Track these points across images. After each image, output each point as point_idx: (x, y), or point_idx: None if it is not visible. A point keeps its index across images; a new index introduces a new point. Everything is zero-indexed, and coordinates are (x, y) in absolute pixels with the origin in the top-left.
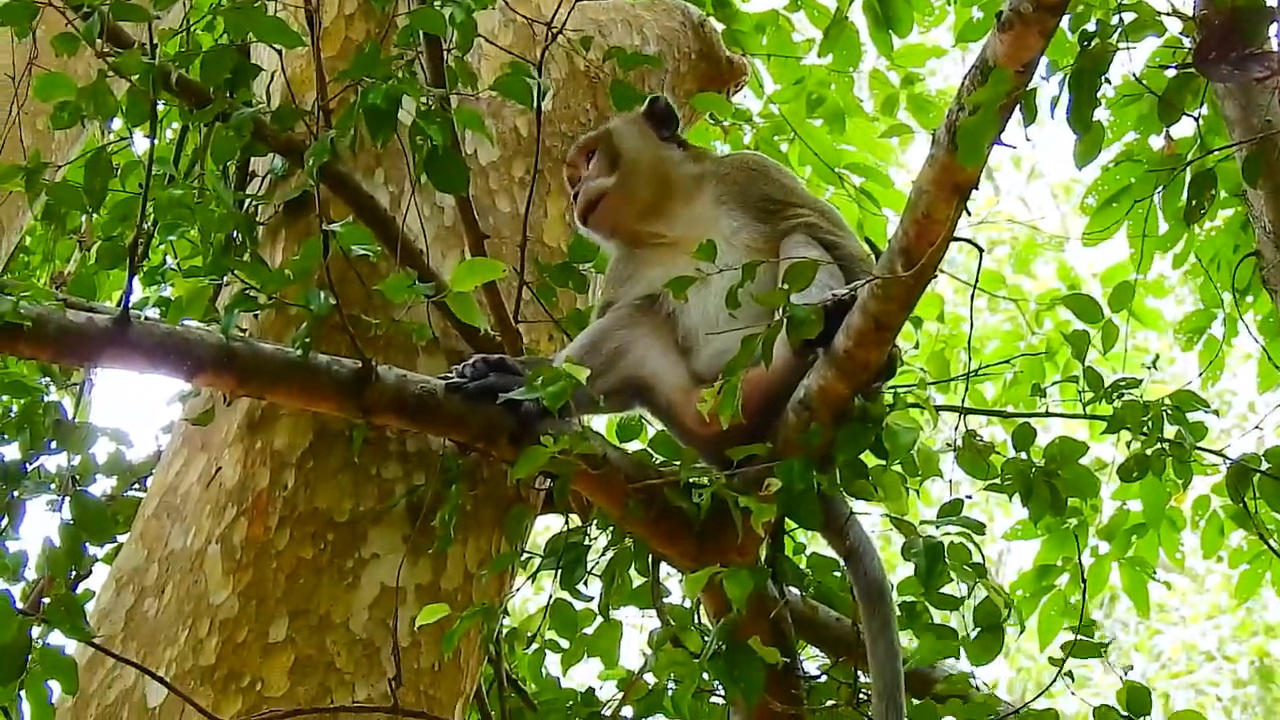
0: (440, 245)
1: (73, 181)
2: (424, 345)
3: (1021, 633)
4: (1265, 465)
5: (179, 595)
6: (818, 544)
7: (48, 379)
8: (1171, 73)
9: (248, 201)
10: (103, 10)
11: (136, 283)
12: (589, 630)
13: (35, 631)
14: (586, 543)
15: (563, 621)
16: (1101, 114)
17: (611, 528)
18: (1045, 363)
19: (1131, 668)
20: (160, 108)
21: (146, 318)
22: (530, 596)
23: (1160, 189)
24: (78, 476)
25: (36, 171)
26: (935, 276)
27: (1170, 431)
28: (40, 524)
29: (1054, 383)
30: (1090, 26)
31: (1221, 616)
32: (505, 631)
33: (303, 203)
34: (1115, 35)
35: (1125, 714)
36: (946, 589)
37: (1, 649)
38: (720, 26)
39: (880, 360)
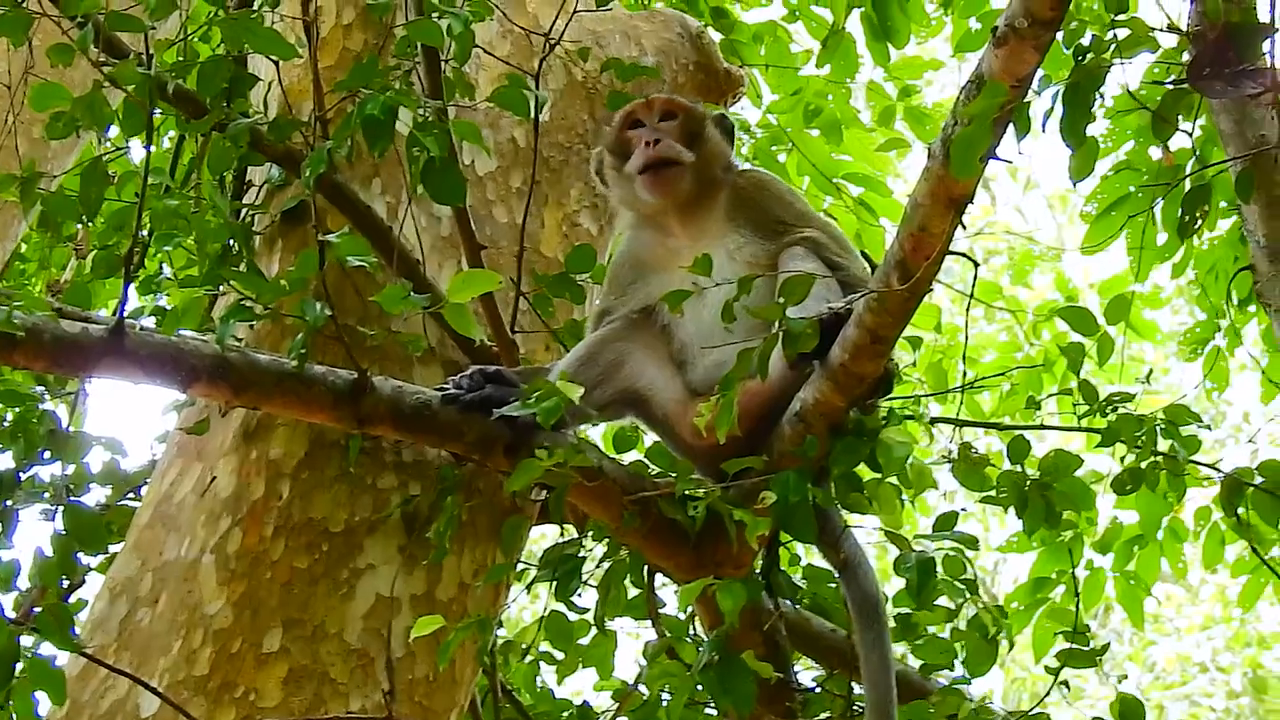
0: (437, 256)
1: (68, 190)
2: (420, 356)
3: (1011, 649)
4: (1259, 479)
5: (173, 605)
6: (813, 556)
7: (42, 388)
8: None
9: (244, 211)
10: (98, 20)
11: (132, 292)
12: (584, 641)
13: (27, 641)
14: (582, 554)
15: (558, 632)
16: (1097, 128)
17: (607, 539)
18: (1042, 374)
19: (1126, 678)
20: (156, 117)
21: (142, 327)
22: (526, 606)
23: (1158, 200)
24: (72, 486)
25: (32, 181)
26: (931, 290)
27: (1164, 445)
28: (34, 533)
29: (1050, 395)
30: (1085, 41)
31: (1215, 628)
32: (500, 642)
33: (299, 213)
34: (1109, 50)
35: None
36: (941, 600)
37: None
38: (718, 37)
39: (876, 373)
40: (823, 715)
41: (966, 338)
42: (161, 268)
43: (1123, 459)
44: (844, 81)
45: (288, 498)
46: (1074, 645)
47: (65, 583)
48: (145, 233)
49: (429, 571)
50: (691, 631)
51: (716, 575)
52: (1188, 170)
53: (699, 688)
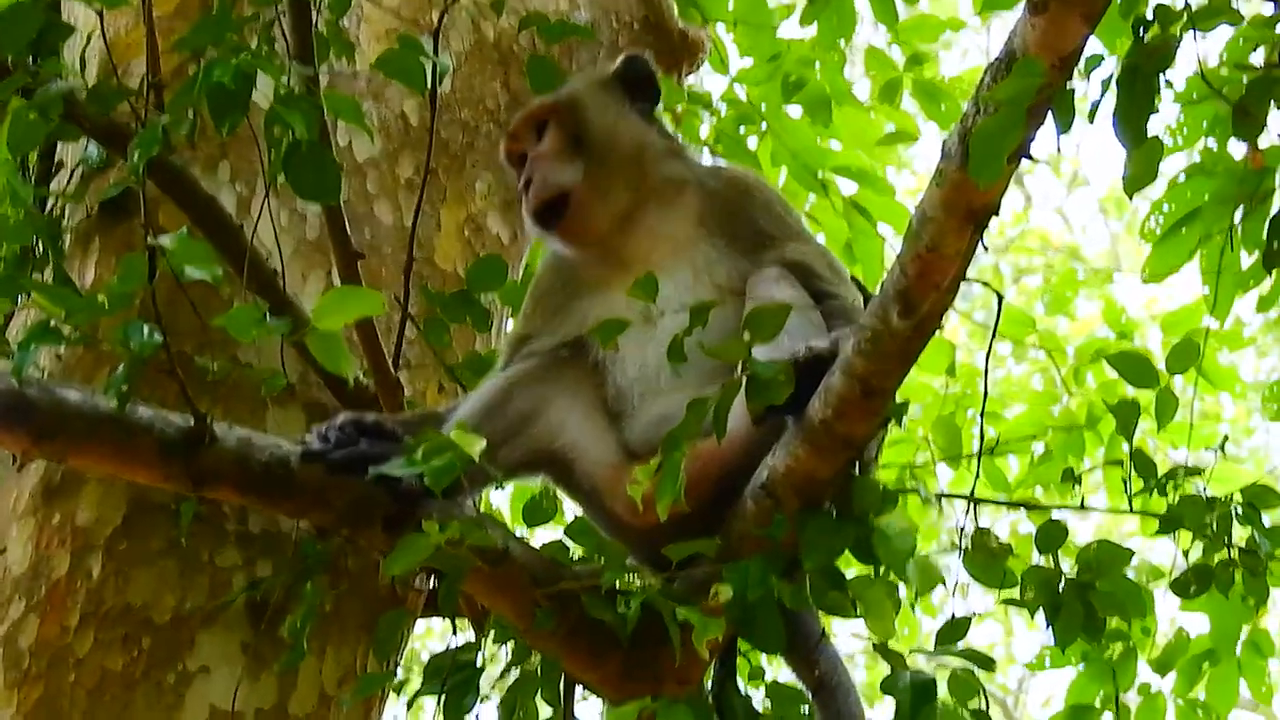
0: (300, 264)
1: None
2: (276, 397)
3: None
4: None
5: None
6: (780, 670)
7: None
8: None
9: (52, 201)
10: None
11: None
12: None
13: None
14: (480, 660)
15: None
16: (1163, 119)
17: (513, 641)
18: (1085, 436)
19: None
20: None
21: None
22: None
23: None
24: None
25: None
26: (941, 327)
27: (1242, 533)
28: None
29: (1093, 468)
30: (1148, 13)
31: None
32: None
33: (123, 204)
34: (1180, 22)
35: None
36: None
37: None
38: None
39: (868, 435)
40: None
41: (986, 385)
42: None
43: (1187, 551)
44: (836, 45)
45: (99, 576)
46: None
47: None
48: None
49: (281, 679)
50: None
51: (655, 693)
52: (1278, 180)
53: None
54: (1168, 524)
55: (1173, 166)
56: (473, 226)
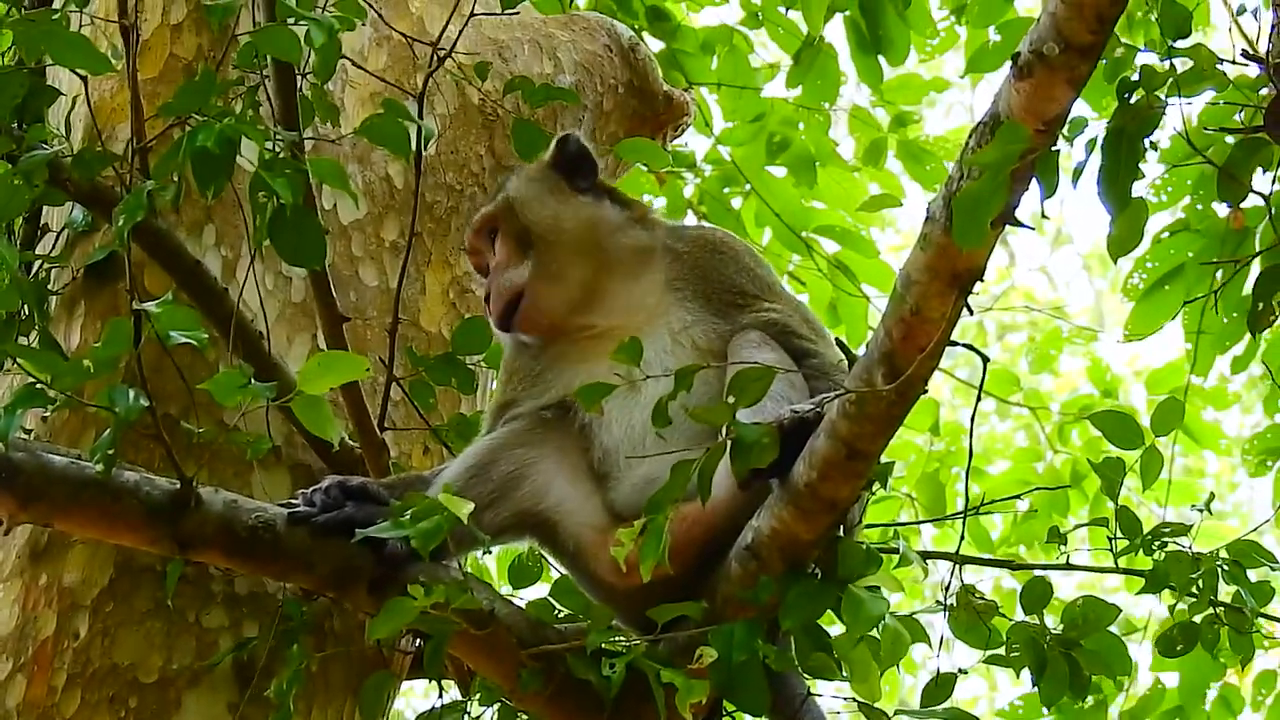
0: (286, 328)
1: None
2: (262, 460)
3: None
4: None
5: None
6: None
7: None
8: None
9: (37, 265)
10: None
11: None
12: None
13: None
14: None
15: None
16: (1147, 177)
17: (499, 704)
18: (1069, 494)
19: None
20: None
21: None
22: None
23: (1222, 274)
24: None
25: None
26: (925, 390)
27: (1227, 591)
28: None
29: (1078, 526)
30: (1133, 75)
31: None
32: None
33: (108, 268)
34: (1165, 86)
35: None
36: None
37: None
38: (657, 46)
39: (852, 498)
40: None
41: (971, 443)
42: None
43: (1173, 607)
44: (820, 106)
45: (86, 637)
46: None
47: None
48: None
49: None
50: None
51: None
52: (1258, 241)
53: None
54: (1154, 581)
55: (1157, 223)
56: (457, 289)
